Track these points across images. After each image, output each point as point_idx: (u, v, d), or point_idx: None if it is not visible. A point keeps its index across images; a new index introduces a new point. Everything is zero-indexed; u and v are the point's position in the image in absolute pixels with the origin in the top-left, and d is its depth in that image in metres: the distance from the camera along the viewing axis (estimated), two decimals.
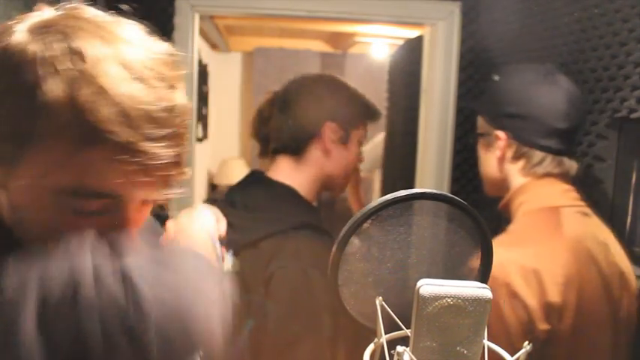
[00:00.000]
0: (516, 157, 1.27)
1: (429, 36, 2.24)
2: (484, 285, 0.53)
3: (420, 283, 0.52)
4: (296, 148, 1.40)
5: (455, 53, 2.16)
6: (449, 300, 0.51)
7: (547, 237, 1.18)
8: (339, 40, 4.28)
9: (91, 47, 0.63)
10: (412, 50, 2.52)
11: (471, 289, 0.52)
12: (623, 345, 1.20)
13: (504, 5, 1.96)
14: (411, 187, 2.33)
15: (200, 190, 4.47)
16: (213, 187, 4.93)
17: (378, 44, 3.79)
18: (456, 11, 2.14)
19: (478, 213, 0.64)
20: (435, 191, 0.63)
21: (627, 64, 1.30)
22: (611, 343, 1.17)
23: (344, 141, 1.41)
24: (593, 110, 1.43)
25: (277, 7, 2.12)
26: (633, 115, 1.28)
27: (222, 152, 5.02)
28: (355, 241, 0.62)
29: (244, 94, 5.25)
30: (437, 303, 0.51)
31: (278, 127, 1.42)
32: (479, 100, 1.72)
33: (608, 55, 1.37)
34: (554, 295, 1.09)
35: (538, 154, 1.24)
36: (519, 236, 1.22)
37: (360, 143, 1.46)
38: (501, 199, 1.36)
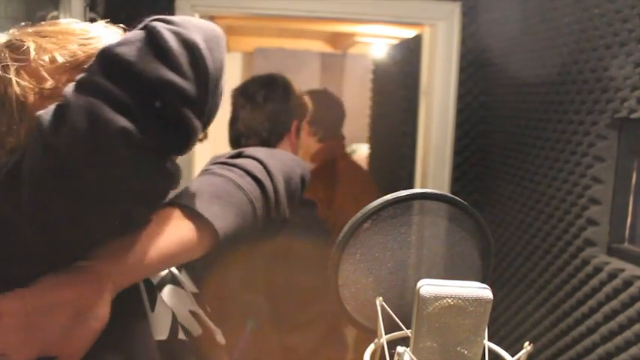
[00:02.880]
0: None
1: (429, 36, 2.24)
2: (484, 285, 0.53)
3: (420, 283, 0.52)
4: (273, 143, 1.59)
5: (455, 53, 2.16)
6: (449, 300, 0.51)
7: None
8: (339, 40, 4.28)
9: None
10: (401, 53, 2.53)
11: (472, 289, 0.52)
12: None
13: (504, 5, 1.96)
14: (398, 186, 2.33)
15: None
16: None
17: (378, 44, 3.78)
18: (456, 11, 2.14)
19: (478, 213, 0.64)
20: (435, 191, 0.63)
21: (627, 64, 1.30)
22: None
23: (297, 134, 1.67)
24: (593, 110, 1.43)
25: (277, 7, 2.12)
26: (633, 115, 1.28)
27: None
28: (355, 241, 0.62)
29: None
30: (437, 303, 0.51)
31: (254, 125, 1.60)
32: None
33: (608, 55, 1.37)
34: None
35: None
36: None
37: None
38: None
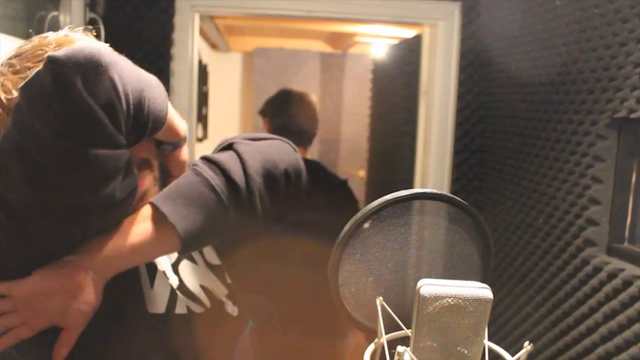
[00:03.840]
0: None
1: (429, 36, 2.24)
2: (484, 285, 0.53)
3: (420, 283, 0.52)
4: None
5: (455, 53, 2.16)
6: (449, 300, 0.51)
7: None
8: (339, 40, 4.28)
9: None
10: (401, 53, 2.53)
11: (472, 289, 0.52)
12: None
13: (504, 5, 1.96)
14: (398, 186, 2.33)
15: None
16: None
17: (378, 44, 3.78)
18: (456, 11, 2.14)
19: (478, 213, 0.64)
20: (435, 191, 0.63)
21: (627, 64, 1.30)
22: None
23: None
24: (593, 110, 1.43)
25: (277, 7, 2.12)
26: (633, 115, 1.28)
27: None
28: (355, 241, 0.62)
29: (244, 94, 5.25)
30: (437, 303, 0.51)
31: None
32: None
33: (608, 55, 1.37)
34: None
35: None
36: None
37: None
38: None
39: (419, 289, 0.52)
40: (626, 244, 1.41)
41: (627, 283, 1.26)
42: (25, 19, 1.45)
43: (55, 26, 1.67)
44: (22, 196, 0.65)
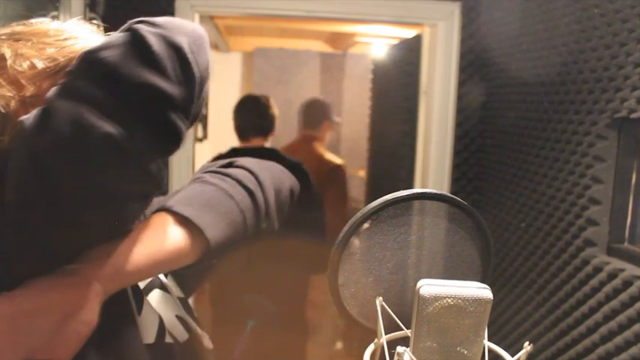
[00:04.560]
0: None
1: (429, 36, 2.24)
2: (484, 285, 0.53)
3: (420, 283, 0.52)
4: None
5: (455, 53, 2.16)
6: (449, 300, 0.51)
7: None
8: (339, 40, 4.28)
9: None
10: (401, 53, 2.53)
11: (472, 289, 0.52)
12: None
13: (504, 5, 1.96)
14: (398, 186, 2.33)
15: None
16: None
17: (378, 44, 3.78)
18: (456, 11, 2.14)
19: (478, 213, 0.64)
20: (435, 191, 0.63)
21: (627, 64, 1.30)
22: None
23: None
24: (593, 110, 1.43)
25: (277, 7, 2.12)
26: (633, 115, 1.28)
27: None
28: (355, 241, 0.62)
29: (244, 94, 5.25)
30: (437, 303, 0.51)
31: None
32: None
33: (608, 55, 1.37)
34: None
35: None
36: None
37: None
38: None
39: (419, 289, 0.52)
40: (626, 244, 1.41)
41: (627, 283, 1.26)
42: (25, 18, 1.45)
43: None
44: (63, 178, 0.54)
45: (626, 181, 1.40)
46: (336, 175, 2.83)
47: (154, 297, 0.79)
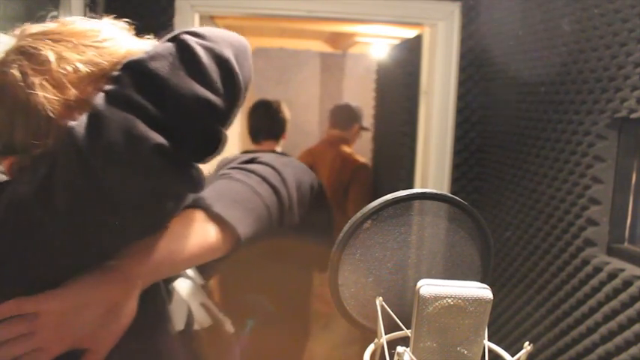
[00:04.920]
0: None
1: (429, 36, 2.24)
2: (484, 285, 0.53)
3: (420, 283, 0.52)
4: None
5: (455, 53, 2.16)
6: (449, 300, 0.51)
7: None
8: (339, 40, 4.28)
9: None
10: (402, 53, 2.53)
11: (472, 289, 0.52)
12: None
13: (504, 5, 1.96)
14: (400, 187, 2.34)
15: None
16: None
17: (378, 44, 3.78)
18: (456, 11, 2.14)
19: (478, 213, 0.64)
20: (435, 191, 0.63)
21: (627, 64, 1.30)
22: None
23: None
24: (593, 110, 1.43)
25: (277, 7, 2.12)
26: (633, 115, 1.28)
27: (222, 152, 5.00)
28: (355, 241, 0.62)
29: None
30: (437, 303, 0.51)
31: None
32: None
33: (608, 55, 1.37)
34: None
35: None
36: None
37: None
38: None
39: (419, 289, 0.52)
40: (626, 244, 1.41)
41: (627, 283, 1.26)
42: (25, 19, 1.45)
43: None
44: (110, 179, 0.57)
45: (626, 181, 1.40)
46: (360, 173, 2.92)
47: (181, 286, 0.84)
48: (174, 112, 0.58)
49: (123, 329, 0.65)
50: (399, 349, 0.54)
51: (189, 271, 0.87)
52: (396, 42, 2.94)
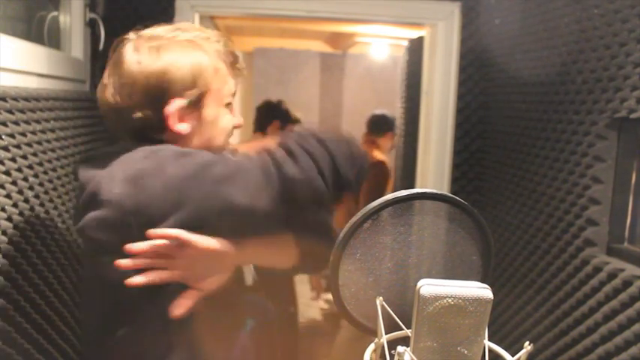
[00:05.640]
0: None
1: (429, 36, 2.24)
2: (485, 285, 0.53)
3: (420, 283, 0.52)
4: None
5: (455, 53, 2.16)
6: (449, 300, 0.51)
7: None
8: (339, 40, 4.28)
9: None
10: (406, 53, 2.53)
11: (472, 289, 0.52)
12: None
13: (504, 5, 1.96)
14: (410, 186, 2.33)
15: None
16: None
17: (378, 44, 3.79)
18: (456, 11, 2.14)
19: (478, 213, 0.64)
20: (435, 191, 0.63)
21: (627, 64, 1.30)
22: None
23: None
24: (592, 110, 1.43)
25: (277, 7, 2.12)
26: (633, 115, 1.28)
27: None
28: (355, 241, 0.62)
29: (244, 94, 5.25)
30: (437, 303, 0.51)
31: None
32: None
33: (608, 55, 1.37)
34: None
35: None
36: None
37: None
38: None
39: (419, 289, 0.52)
40: (626, 244, 1.41)
41: (627, 283, 1.26)
42: (25, 19, 1.45)
43: (55, 26, 1.67)
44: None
45: (626, 181, 1.40)
46: (375, 168, 3.05)
47: None
48: (334, 179, 0.90)
49: (221, 283, 0.91)
50: (400, 348, 0.54)
51: None
52: (396, 42, 2.94)
